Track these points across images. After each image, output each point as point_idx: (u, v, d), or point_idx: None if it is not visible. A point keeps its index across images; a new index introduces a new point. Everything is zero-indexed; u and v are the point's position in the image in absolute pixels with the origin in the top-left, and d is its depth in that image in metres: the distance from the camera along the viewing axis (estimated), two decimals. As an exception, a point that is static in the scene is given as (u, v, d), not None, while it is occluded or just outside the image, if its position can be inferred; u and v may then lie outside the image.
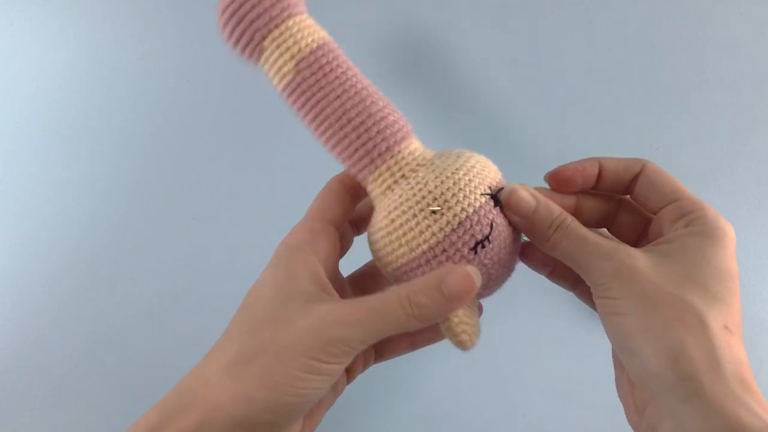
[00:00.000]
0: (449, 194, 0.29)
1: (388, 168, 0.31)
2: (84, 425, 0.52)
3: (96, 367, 0.55)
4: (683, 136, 0.63)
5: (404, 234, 0.30)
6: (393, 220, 0.30)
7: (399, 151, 0.31)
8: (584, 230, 0.30)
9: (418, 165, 0.31)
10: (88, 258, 0.62)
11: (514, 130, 0.65)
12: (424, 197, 0.29)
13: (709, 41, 0.65)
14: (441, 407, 0.52)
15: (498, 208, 0.31)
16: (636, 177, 0.33)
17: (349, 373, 0.37)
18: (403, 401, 0.52)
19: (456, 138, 0.65)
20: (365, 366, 0.37)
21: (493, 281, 0.32)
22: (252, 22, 0.30)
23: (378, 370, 0.51)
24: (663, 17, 0.66)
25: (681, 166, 0.62)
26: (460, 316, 0.31)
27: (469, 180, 0.30)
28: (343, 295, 0.33)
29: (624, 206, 0.35)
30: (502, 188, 0.32)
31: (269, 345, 0.27)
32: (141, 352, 0.56)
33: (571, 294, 0.37)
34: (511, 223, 0.32)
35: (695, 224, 0.30)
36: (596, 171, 0.34)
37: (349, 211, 0.34)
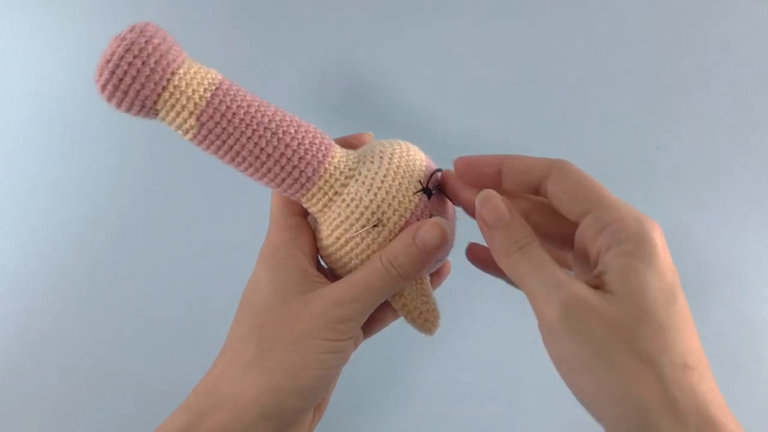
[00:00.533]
0: (385, 205, 0.30)
1: (320, 189, 0.31)
2: (84, 425, 0.52)
3: (96, 367, 0.55)
4: (683, 136, 0.63)
5: (352, 249, 0.31)
6: (338, 239, 0.31)
7: (325, 169, 0.31)
8: (546, 258, 0.29)
9: (346, 178, 0.31)
10: (88, 258, 0.62)
11: (514, 129, 0.65)
12: (362, 213, 0.30)
13: (709, 41, 0.65)
14: (441, 407, 0.52)
15: (432, 197, 0.32)
16: (544, 180, 0.31)
17: None
18: (403, 400, 0.52)
19: (452, 136, 0.65)
20: (357, 344, 0.38)
21: (439, 260, 0.33)
22: (138, 92, 0.28)
23: (378, 368, 0.51)
24: (663, 17, 0.66)
25: (681, 166, 0.62)
26: (417, 306, 0.34)
27: (399, 184, 0.31)
28: (327, 278, 0.35)
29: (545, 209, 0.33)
30: (434, 172, 0.32)
31: (284, 336, 0.29)
32: (141, 352, 0.56)
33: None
34: (448, 202, 0.33)
35: (620, 240, 0.28)
36: (494, 170, 0.32)
37: None
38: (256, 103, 0.30)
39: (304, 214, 0.35)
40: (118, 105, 0.29)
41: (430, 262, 0.32)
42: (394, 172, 0.31)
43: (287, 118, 0.31)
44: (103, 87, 0.29)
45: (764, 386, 0.47)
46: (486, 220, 0.30)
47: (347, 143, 0.36)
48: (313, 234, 0.35)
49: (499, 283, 0.35)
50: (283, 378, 0.29)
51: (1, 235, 0.64)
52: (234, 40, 0.66)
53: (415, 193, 0.31)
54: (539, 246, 0.29)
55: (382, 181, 0.30)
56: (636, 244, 0.27)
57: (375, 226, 0.31)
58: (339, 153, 0.32)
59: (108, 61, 0.28)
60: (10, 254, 0.63)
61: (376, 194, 0.30)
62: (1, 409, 0.53)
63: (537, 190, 0.32)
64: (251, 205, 0.62)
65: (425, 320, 0.35)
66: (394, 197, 0.30)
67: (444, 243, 0.31)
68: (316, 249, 0.35)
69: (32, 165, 0.67)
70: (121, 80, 0.28)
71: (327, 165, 0.31)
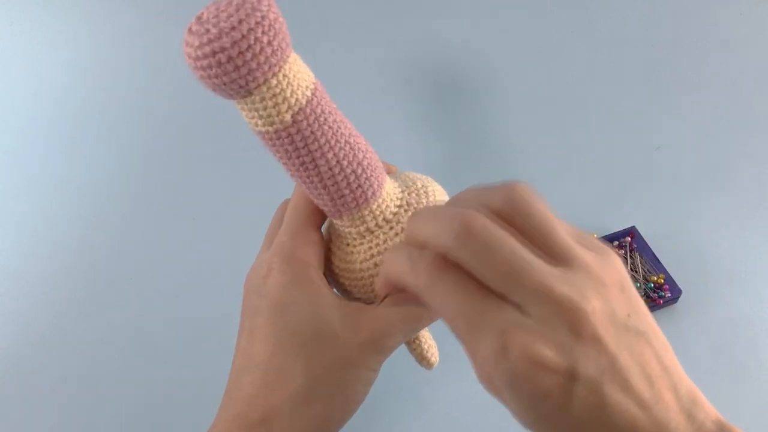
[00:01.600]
0: None
1: (371, 212, 0.31)
2: (84, 425, 0.52)
3: (97, 367, 0.55)
4: (683, 136, 0.63)
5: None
6: (376, 265, 0.31)
7: (380, 195, 0.31)
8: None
9: (396, 207, 0.31)
10: (88, 258, 0.62)
11: (514, 130, 0.65)
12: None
13: (709, 41, 0.65)
14: (440, 406, 0.52)
15: None
16: None
17: None
18: (403, 400, 0.52)
19: (456, 139, 0.65)
20: None
21: None
22: (251, 71, 0.24)
23: (383, 371, 0.51)
24: (663, 17, 0.66)
25: (681, 166, 0.62)
26: (426, 340, 0.34)
27: None
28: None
29: None
30: None
31: (334, 366, 0.29)
32: (141, 352, 0.56)
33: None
34: None
35: None
36: None
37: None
38: (340, 115, 0.29)
39: (319, 227, 0.33)
40: (219, 79, 0.25)
41: None
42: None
43: (359, 136, 0.30)
44: (213, 54, 0.24)
45: (764, 386, 0.47)
46: (390, 279, 0.25)
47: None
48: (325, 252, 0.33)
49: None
50: (332, 410, 0.29)
51: (1, 235, 0.64)
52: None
53: None
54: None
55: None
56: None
57: None
58: (387, 179, 0.32)
59: (233, 28, 0.24)
60: (10, 254, 0.63)
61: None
62: (1, 409, 0.53)
63: None
64: (251, 205, 0.62)
65: (432, 354, 0.35)
66: None
67: None
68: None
69: (32, 165, 0.67)
70: (240, 54, 0.24)
71: (382, 191, 0.31)
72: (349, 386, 0.29)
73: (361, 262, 0.32)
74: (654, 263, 0.52)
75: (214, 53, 0.24)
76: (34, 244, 0.63)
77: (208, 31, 0.24)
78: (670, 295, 0.50)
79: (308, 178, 0.29)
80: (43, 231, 0.64)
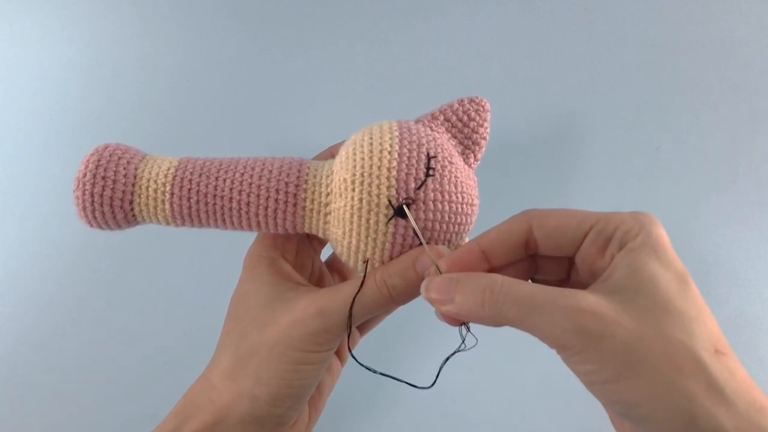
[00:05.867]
0: (362, 246, 0.30)
1: (310, 210, 0.31)
2: (85, 426, 0.52)
3: (97, 368, 0.55)
4: (683, 136, 0.63)
5: (360, 267, 0.31)
6: (359, 220, 0.31)
7: (305, 189, 0.30)
8: (524, 286, 0.26)
9: (327, 195, 0.30)
10: (88, 258, 0.62)
11: (514, 129, 0.65)
12: (345, 255, 0.30)
13: (709, 41, 0.65)
14: (440, 406, 0.52)
15: (411, 201, 0.29)
16: (529, 235, 0.28)
17: (340, 355, 0.38)
18: (403, 399, 0.52)
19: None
20: (353, 345, 0.38)
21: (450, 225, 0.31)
22: (114, 215, 0.31)
23: (377, 367, 0.51)
24: (663, 17, 0.66)
25: (681, 166, 0.62)
26: None
27: (367, 221, 0.29)
28: (323, 284, 0.35)
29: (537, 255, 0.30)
30: (401, 194, 0.29)
31: (260, 345, 0.30)
32: (142, 353, 0.56)
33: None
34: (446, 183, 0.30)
35: (625, 242, 0.27)
36: (483, 263, 0.29)
37: None
38: (217, 162, 0.31)
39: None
40: (103, 223, 0.32)
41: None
42: (359, 208, 0.29)
43: (253, 159, 0.31)
44: (83, 213, 0.31)
45: (764, 386, 0.47)
46: (439, 299, 0.27)
47: (331, 154, 0.34)
48: (300, 239, 0.34)
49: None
50: (256, 386, 0.29)
51: (1, 235, 0.64)
52: (235, 36, 0.66)
53: (386, 223, 0.29)
54: (510, 280, 0.26)
55: (350, 222, 0.29)
56: (639, 241, 0.26)
57: (365, 262, 0.30)
58: (312, 165, 0.32)
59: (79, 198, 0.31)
60: (11, 254, 0.63)
61: (350, 240, 0.30)
62: (1, 409, 0.53)
63: (525, 249, 0.29)
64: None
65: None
66: (367, 237, 0.29)
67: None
68: (305, 253, 0.35)
69: (32, 165, 0.67)
70: (93, 203, 0.31)
71: (304, 181, 0.31)
72: (273, 365, 0.29)
73: (343, 236, 0.31)
74: (654, 263, 0.52)
75: (86, 215, 0.32)
76: (34, 244, 0.63)
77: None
78: (670, 295, 0.50)
79: (235, 219, 0.31)
80: (42, 231, 0.64)
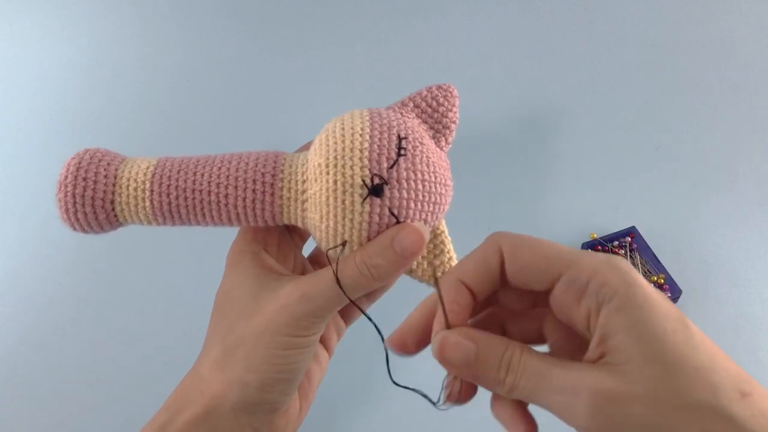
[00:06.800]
0: (340, 228, 0.30)
1: (287, 199, 0.31)
2: (85, 426, 0.52)
3: (97, 368, 0.55)
4: (683, 136, 0.63)
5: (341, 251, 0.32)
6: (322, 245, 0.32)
7: (281, 179, 0.31)
8: (542, 360, 0.25)
9: (304, 182, 0.31)
10: (88, 258, 0.62)
11: (513, 129, 0.65)
12: (324, 239, 0.31)
13: (709, 41, 0.65)
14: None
15: (383, 182, 0.30)
16: (503, 268, 0.27)
17: (326, 345, 0.38)
18: (401, 398, 0.52)
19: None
20: (339, 335, 0.38)
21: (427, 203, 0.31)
22: (96, 215, 0.32)
23: (374, 365, 0.51)
24: (663, 17, 0.66)
25: (681, 166, 0.62)
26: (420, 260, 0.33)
27: (343, 202, 0.29)
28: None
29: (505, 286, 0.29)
30: (375, 173, 0.29)
31: (246, 334, 0.30)
32: (142, 352, 0.56)
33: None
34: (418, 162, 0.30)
35: (608, 297, 0.25)
36: (469, 299, 0.28)
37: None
38: (195, 158, 0.32)
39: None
40: (86, 227, 0.32)
41: (407, 267, 0.30)
42: (334, 190, 0.30)
43: (230, 154, 0.32)
44: (66, 218, 0.32)
45: (764, 386, 0.47)
46: (455, 362, 0.27)
47: (308, 149, 0.34)
48: (280, 232, 0.35)
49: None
50: (245, 373, 0.30)
51: (1, 235, 0.64)
52: (235, 36, 0.66)
53: (362, 203, 0.29)
54: (528, 351, 0.26)
55: (327, 205, 0.30)
56: (626, 296, 0.25)
57: (343, 245, 0.30)
58: (288, 156, 0.32)
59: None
60: (11, 254, 0.63)
61: (328, 223, 0.30)
62: (1, 409, 0.53)
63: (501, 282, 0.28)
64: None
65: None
66: (344, 218, 0.30)
67: (420, 249, 0.30)
68: (287, 247, 0.35)
69: (32, 165, 0.67)
70: (76, 208, 0.32)
71: (281, 170, 0.31)
72: (261, 351, 0.30)
73: (321, 219, 0.31)
74: (654, 263, 0.52)
75: (68, 218, 0.32)
76: (34, 244, 0.63)
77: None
78: (670, 295, 0.50)
79: (206, 218, 0.32)
80: (42, 231, 0.64)
